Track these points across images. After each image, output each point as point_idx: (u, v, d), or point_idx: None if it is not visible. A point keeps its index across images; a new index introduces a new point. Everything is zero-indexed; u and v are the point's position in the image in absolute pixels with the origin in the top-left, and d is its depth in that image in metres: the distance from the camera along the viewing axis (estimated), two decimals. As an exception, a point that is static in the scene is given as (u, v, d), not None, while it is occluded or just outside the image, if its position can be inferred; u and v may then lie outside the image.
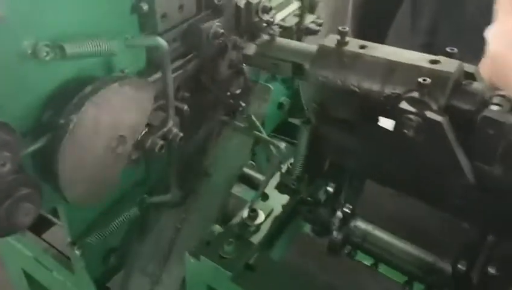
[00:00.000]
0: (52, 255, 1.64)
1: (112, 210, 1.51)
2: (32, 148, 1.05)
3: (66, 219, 1.39)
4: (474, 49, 1.18)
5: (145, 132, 1.28)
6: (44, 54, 1.00)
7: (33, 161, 1.10)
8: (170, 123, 1.32)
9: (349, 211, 1.58)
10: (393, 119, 1.17)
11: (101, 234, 1.47)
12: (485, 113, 1.05)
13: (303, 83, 1.93)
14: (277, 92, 2.02)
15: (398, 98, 1.16)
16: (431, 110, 1.08)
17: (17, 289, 2.11)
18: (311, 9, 1.98)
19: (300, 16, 1.86)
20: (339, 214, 1.60)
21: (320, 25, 1.94)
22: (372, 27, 3.49)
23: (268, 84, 1.74)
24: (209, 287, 1.41)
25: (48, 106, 1.09)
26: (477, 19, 3.04)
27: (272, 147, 1.59)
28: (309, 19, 1.92)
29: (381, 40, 3.59)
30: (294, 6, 1.85)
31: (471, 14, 3.19)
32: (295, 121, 2.23)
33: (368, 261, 2.20)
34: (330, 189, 1.57)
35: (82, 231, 1.45)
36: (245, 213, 1.43)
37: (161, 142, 1.29)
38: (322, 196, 1.63)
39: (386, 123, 1.21)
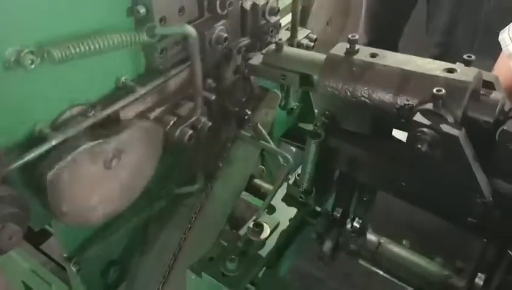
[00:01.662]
0: (50, 269, 1.58)
1: (109, 225, 1.45)
2: (20, 162, 0.99)
3: (61, 235, 1.33)
4: (490, 49, 1.10)
5: (173, 122, 1.27)
6: (29, 62, 0.93)
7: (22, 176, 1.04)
8: (198, 112, 1.30)
9: (358, 226, 1.51)
10: (407, 132, 1.09)
11: (100, 248, 1.41)
12: (506, 127, 0.98)
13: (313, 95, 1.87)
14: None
15: (412, 109, 1.09)
16: (447, 123, 1.01)
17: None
18: (303, 22, 1.84)
19: (292, 30, 1.67)
20: (349, 227, 1.54)
21: (314, 40, 1.80)
22: (386, 28, 3.44)
23: (277, 91, 1.66)
24: (211, 303, 1.34)
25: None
26: (493, 20, 2.98)
27: (279, 157, 1.52)
28: (302, 34, 1.78)
29: (396, 40, 3.52)
30: (285, 20, 1.68)
31: (487, 14, 3.12)
32: (305, 126, 2.17)
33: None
34: (337, 214, 1.51)
35: (79, 246, 1.39)
36: (250, 226, 1.35)
37: (190, 131, 1.27)
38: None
39: (399, 136, 1.14)
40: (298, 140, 2.14)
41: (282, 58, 1.37)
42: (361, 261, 1.61)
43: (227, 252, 1.33)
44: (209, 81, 1.40)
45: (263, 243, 1.36)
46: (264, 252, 1.35)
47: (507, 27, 2.24)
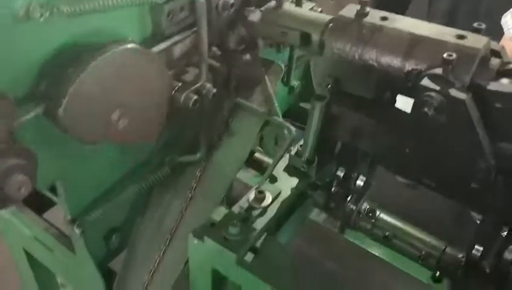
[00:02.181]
0: (53, 234, 1.59)
1: (113, 188, 1.46)
2: (27, 116, 0.99)
3: (65, 196, 1.33)
4: (491, 33, 1.11)
5: (178, 88, 1.28)
6: (38, 14, 0.94)
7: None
8: (203, 79, 1.31)
9: (362, 184, 1.51)
10: (413, 98, 1.10)
11: (102, 212, 1.41)
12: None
13: (315, 59, 1.86)
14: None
15: (420, 74, 1.09)
16: (454, 88, 1.02)
17: (19, 269, 2.07)
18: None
19: (297, 2, 1.58)
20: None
21: (318, 13, 1.79)
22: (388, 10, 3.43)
23: (280, 64, 1.66)
24: (214, 269, 1.35)
25: (44, 75, 1.03)
26: (495, 4, 2.98)
27: (282, 128, 1.52)
28: (306, 7, 1.70)
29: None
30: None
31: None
32: (306, 105, 2.16)
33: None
34: (340, 173, 1.51)
35: (82, 209, 1.40)
36: (251, 195, 1.36)
37: (195, 97, 1.28)
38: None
39: (405, 102, 1.14)
40: (298, 120, 2.13)
41: (282, 15, 1.36)
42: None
43: (229, 218, 1.34)
44: (214, 48, 1.41)
45: (265, 210, 1.37)
46: (265, 219, 1.36)
47: (510, 10, 2.24)
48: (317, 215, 2.60)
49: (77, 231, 1.37)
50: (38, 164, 1.01)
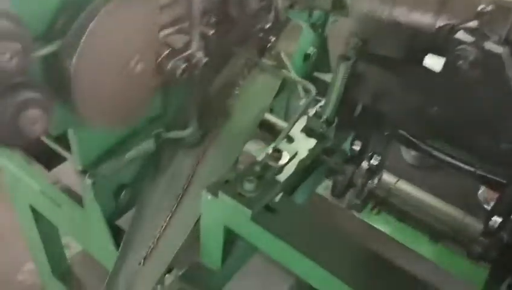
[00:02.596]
0: (61, 188, 1.55)
1: (125, 143, 1.42)
2: (44, 51, 0.95)
3: (78, 145, 1.30)
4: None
5: (166, 54, 1.19)
6: None
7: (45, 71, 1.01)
8: (194, 46, 1.23)
9: (376, 163, 1.49)
10: (445, 55, 1.07)
11: (113, 166, 1.38)
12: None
13: (332, 28, 1.82)
14: (304, 41, 1.91)
15: (453, 29, 1.05)
16: (490, 41, 0.98)
17: (24, 228, 2.04)
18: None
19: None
20: (365, 165, 1.51)
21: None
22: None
23: (301, 23, 1.62)
24: (226, 227, 1.32)
25: (61, 12, 1.00)
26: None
27: (300, 88, 1.48)
28: None
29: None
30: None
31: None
32: (321, 75, 2.12)
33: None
34: (356, 148, 1.48)
35: (93, 161, 1.36)
36: (268, 151, 1.32)
37: (183, 65, 1.20)
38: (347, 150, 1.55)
39: (434, 60, 1.11)
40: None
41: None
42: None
43: (244, 174, 1.30)
44: (209, 17, 1.34)
45: (281, 169, 1.33)
46: (282, 177, 1.32)
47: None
48: (324, 189, 2.59)
49: (88, 181, 1.33)
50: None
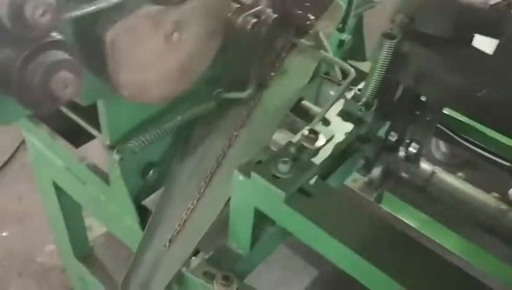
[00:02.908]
0: (87, 165, 1.51)
1: (157, 119, 1.38)
2: (78, 12, 0.91)
3: (107, 118, 1.25)
4: None
5: (236, 9, 1.19)
6: None
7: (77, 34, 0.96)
8: (263, 3, 1.23)
9: (414, 151, 1.43)
10: (497, 35, 1.00)
11: (142, 143, 1.33)
12: None
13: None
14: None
15: (510, 6, 0.99)
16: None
17: (47, 208, 2.01)
18: None
19: None
20: (402, 154, 1.46)
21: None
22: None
23: (340, 2, 1.55)
24: (257, 210, 1.26)
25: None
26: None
27: (338, 70, 1.42)
28: None
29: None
30: None
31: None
32: (355, 64, 2.05)
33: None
34: (392, 139, 1.42)
35: (122, 136, 1.32)
36: (304, 133, 1.26)
37: (253, 20, 1.19)
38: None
39: (485, 41, 1.04)
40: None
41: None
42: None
43: (278, 155, 1.24)
44: None
45: (317, 151, 1.27)
46: (317, 160, 1.26)
47: None
48: (352, 182, 2.53)
49: (116, 157, 1.29)
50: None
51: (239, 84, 1.46)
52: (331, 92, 1.85)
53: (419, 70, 1.22)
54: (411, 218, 2.21)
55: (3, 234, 2.73)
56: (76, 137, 1.61)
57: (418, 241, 1.15)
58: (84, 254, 2.14)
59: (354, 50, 2.02)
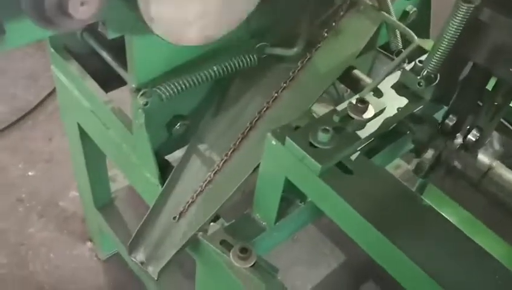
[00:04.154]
0: (112, 109, 1.40)
1: (189, 66, 1.25)
2: None
3: (134, 57, 1.13)
4: None
5: None
6: None
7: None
8: None
9: (474, 140, 1.26)
10: None
11: (171, 91, 1.21)
12: None
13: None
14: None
15: None
16: None
17: (72, 151, 1.92)
18: None
19: None
20: (458, 141, 1.29)
21: None
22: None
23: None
24: (287, 180, 1.13)
25: None
26: None
27: (399, 34, 1.26)
28: None
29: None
30: None
31: None
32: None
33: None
34: (450, 123, 1.25)
35: (150, 79, 1.20)
36: (352, 101, 1.11)
37: None
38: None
39: None
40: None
41: None
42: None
43: (319, 122, 1.10)
44: None
45: (364, 123, 1.12)
46: (363, 134, 1.12)
47: None
48: (395, 168, 2.36)
49: (141, 101, 1.17)
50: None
51: (287, 40, 1.31)
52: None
53: (497, 46, 1.05)
54: (454, 215, 2.06)
55: (30, 173, 2.67)
56: (108, 82, 1.50)
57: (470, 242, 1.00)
58: (104, 204, 2.05)
59: (418, 24, 1.84)
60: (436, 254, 0.96)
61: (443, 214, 1.65)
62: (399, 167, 2.34)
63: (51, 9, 0.74)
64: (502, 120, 1.37)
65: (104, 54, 1.40)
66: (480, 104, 1.24)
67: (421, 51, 1.34)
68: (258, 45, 1.29)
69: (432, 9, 1.85)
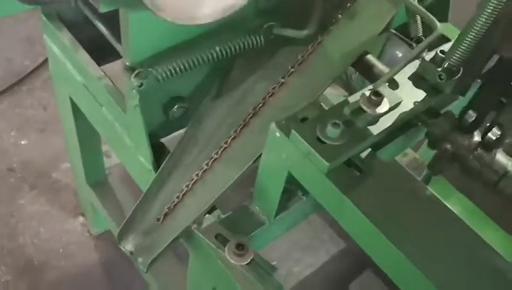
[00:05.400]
0: (105, 86, 1.30)
1: (189, 44, 1.15)
2: None
3: (129, 33, 1.03)
4: None
5: None
6: None
7: None
8: None
9: (494, 138, 1.17)
10: None
11: (169, 71, 1.11)
12: None
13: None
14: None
15: None
16: None
17: (63, 123, 1.83)
18: None
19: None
20: (477, 137, 1.20)
21: None
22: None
23: None
24: (290, 175, 1.04)
25: None
26: None
27: (420, 21, 1.15)
28: None
29: None
30: None
31: None
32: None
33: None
34: (469, 119, 1.16)
35: (146, 57, 1.10)
36: (366, 93, 1.01)
37: None
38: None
39: None
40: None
41: None
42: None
43: (329, 115, 1.01)
44: None
45: (377, 118, 1.03)
46: (376, 129, 1.02)
47: None
48: (402, 156, 2.27)
49: (135, 82, 1.07)
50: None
51: (297, 20, 1.20)
52: (398, 53, 1.58)
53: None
54: (459, 206, 1.99)
55: (22, 142, 2.58)
56: (104, 54, 1.40)
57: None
58: (97, 180, 1.97)
59: (436, 7, 1.72)
60: (456, 277, 0.88)
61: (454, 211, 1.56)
62: (406, 154, 2.25)
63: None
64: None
65: (99, 25, 1.30)
66: (504, 100, 1.15)
67: (442, 39, 1.24)
68: (265, 25, 1.19)
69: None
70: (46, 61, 2.85)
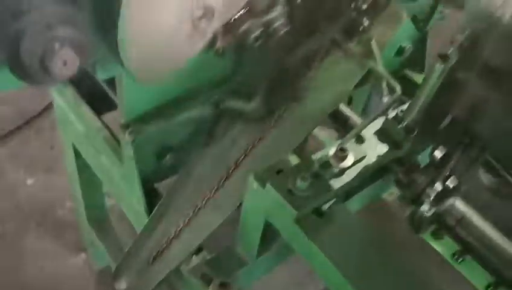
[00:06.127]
0: (104, 137, 1.43)
1: (180, 104, 1.28)
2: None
3: (123, 95, 1.17)
4: None
5: (243, 14, 1.02)
6: None
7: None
8: (278, 10, 1.07)
9: (452, 186, 1.28)
10: None
11: (160, 126, 1.25)
12: None
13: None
14: (402, 33, 1.68)
15: None
16: None
17: (66, 165, 1.96)
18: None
19: None
20: (438, 186, 1.31)
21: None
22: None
23: (402, 10, 1.41)
24: (267, 222, 1.16)
25: None
26: None
27: (385, 85, 1.29)
28: None
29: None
30: None
31: None
32: (412, 75, 1.88)
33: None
34: (438, 155, 1.27)
35: (138, 116, 1.23)
36: (332, 150, 1.14)
37: (259, 30, 1.04)
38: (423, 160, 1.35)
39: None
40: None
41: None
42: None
43: (299, 169, 1.13)
44: None
45: (342, 171, 1.15)
46: (340, 182, 1.15)
47: None
48: (388, 194, 2.37)
49: (128, 137, 1.21)
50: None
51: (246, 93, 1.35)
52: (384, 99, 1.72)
53: (472, 102, 1.08)
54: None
55: (28, 182, 2.71)
56: (104, 104, 1.54)
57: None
58: (98, 219, 2.08)
59: (414, 60, 1.86)
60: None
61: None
62: (392, 193, 2.35)
63: (32, 67, 0.77)
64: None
65: (99, 80, 1.43)
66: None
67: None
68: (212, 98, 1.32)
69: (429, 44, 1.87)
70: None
